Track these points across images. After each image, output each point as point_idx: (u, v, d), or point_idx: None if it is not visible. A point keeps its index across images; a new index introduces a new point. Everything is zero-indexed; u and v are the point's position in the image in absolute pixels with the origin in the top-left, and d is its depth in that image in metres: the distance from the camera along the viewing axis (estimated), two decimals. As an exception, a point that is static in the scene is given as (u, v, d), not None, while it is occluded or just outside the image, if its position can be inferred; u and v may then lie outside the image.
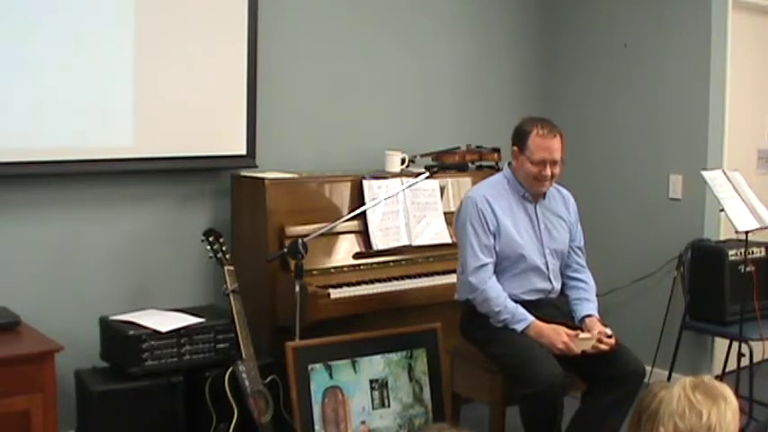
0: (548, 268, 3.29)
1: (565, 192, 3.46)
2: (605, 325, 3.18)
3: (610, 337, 3.11)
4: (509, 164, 3.36)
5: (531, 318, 3.15)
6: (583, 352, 3.08)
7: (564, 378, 3.03)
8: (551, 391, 2.96)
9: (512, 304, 3.18)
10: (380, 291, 3.66)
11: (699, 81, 4.48)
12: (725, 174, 4.07)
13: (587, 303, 3.28)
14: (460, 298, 3.30)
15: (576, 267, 3.42)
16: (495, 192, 3.30)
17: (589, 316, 3.24)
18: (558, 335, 3.08)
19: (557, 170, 3.23)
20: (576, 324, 3.23)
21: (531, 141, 3.19)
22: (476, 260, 3.21)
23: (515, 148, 3.27)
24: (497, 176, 3.41)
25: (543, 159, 3.18)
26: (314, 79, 4.19)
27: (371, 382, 3.50)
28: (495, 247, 3.23)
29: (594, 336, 3.10)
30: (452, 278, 3.52)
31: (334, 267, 3.73)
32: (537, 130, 3.19)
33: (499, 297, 3.18)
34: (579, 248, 3.44)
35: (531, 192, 3.29)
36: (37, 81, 3.33)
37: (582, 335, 3.12)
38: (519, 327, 3.14)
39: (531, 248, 3.26)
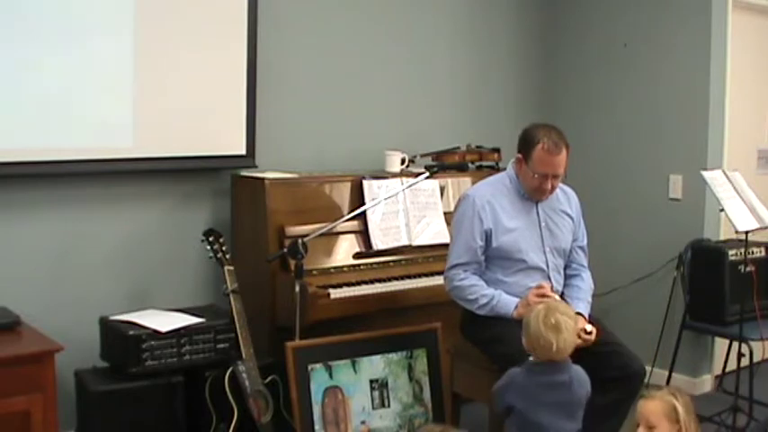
0: (548, 267, 3.29)
1: (568, 189, 3.46)
2: (592, 323, 3.18)
3: (589, 333, 3.11)
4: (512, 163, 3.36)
5: (514, 300, 3.17)
6: None
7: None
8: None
9: (490, 290, 3.19)
10: (380, 291, 3.66)
11: (699, 81, 4.48)
12: (725, 174, 4.07)
13: (578, 302, 3.28)
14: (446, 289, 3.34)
15: (576, 267, 3.42)
16: (495, 191, 3.30)
17: (577, 314, 3.22)
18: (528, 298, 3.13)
19: (557, 182, 3.24)
20: None
21: (535, 154, 3.17)
22: (456, 257, 3.26)
23: (520, 154, 3.25)
24: (500, 175, 3.41)
25: (545, 173, 3.18)
26: (314, 79, 4.19)
27: (371, 382, 3.50)
28: (483, 249, 3.24)
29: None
30: (452, 278, 3.52)
31: (334, 267, 3.73)
32: (543, 144, 3.15)
33: (474, 286, 3.21)
34: (581, 248, 3.44)
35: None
36: (37, 82, 3.33)
37: None
38: (508, 313, 3.15)
39: (530, 247, 3.26)
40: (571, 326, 2.62)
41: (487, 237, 3.24)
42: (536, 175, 3.19)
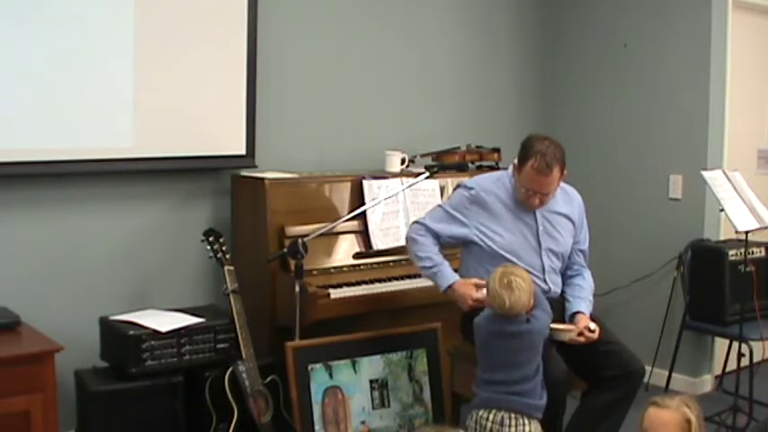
0: (543, 269, 3.28)
1: (571, 191, 3.43)
2: (594, 321, 3.18)
3: (593, 331, 3.12)
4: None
5: (453, 278, 3.22)
6: (563, 342, 3.10)
7: (567, 375, 3.04)
8: (554, 388, 2.97)
9: (440, 259, 3.26)
10: (380, 291, 3.66)
11: (699, 81, 4.48)
12: (725, 174, 4.07)
13: (580, 301, 3.28)
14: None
15: (577, 268, 3.41)
16: (495, 188, 3.30)
17: (579, 312, 3.23)
18: (466, 287, 3.18)
19: (546, 199, 3.23)
20: (566, 322, 3.23)
21: (525, 169, 3.15)
22: (430, 219, 3.34)
23: (516, 162, 3.25)
24: (502, 173, 3.40)
25: (532, 190, 3.18)
26: (314, 79, 4.19)
27: (371, 382, 3.50)
28: (447, 238, 3.31)
29: (576, 329, 3.11)
30: (452, 278, 3.52)
31: (334, 267, 3.73)
32: (533, 162, 3.12)
33: (427, 246, 3.28)
34: (582, 251, 3.43)
35: None
36: (37, 81, 3.33)
37: (560, 326, 3.14)
38: (442, 286, 3.23)
39: (525, 248, 3.25)
40: (523, 286, 2.90)
41: (462, 238, 3.29)
42: (523, 189, 3.20)
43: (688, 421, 2.43)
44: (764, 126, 5.09)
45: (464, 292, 3.18)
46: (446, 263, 3.27)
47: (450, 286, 3.22)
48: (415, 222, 3.37)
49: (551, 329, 3.09)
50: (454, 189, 3.44)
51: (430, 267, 3.26)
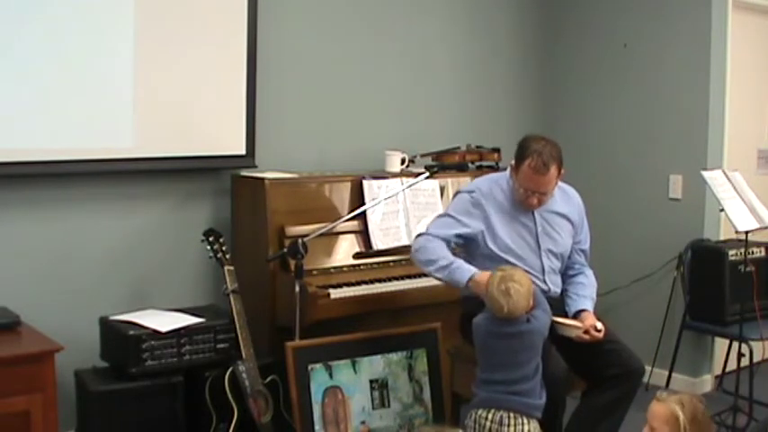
0: (543, 270, 3.28)
1: (570, 190, 3.43)
2: (599, 320, 3.18)
3: (599, 331, 3.11)
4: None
5: (473, 269, 3.15)
6: (569, 338, 3.10)
7: (567, 374, 3.04)
8: (554, 386, 2.97)
9: (452, 256, 3.20)
10: (380, 291, 3.66)
11: (699, 81, 4.48)
12: (725, 174, 4.07)
13: (583, 299, 3.28)
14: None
15: (578, 267, 3.41)
16: (493, 191, 3.30)
17: (584, 310, 3.23)
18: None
19: (545, 198, 3.22)
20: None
21: (522, 168, 3.16)
22: (435, 229, 3.28)
23: (513, 162, 3.25)
24: (499, 175, 3.40)
25: (530, 189, 3.18)
26: (314, 79, 4.19)
27: (371, 382, 3.50)
28: (455, 242, 3.27)
29: (582, 326, 3.11)
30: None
31: (334, 267, 3.73)
32: (530, 161, 3.12)
33: (438, 249, 3.21)
34: (582, 251, 3.43)
35: None
36: (37, 81, 3.33)
37: (567, 321, 3.14)
38: (463, 279, 3.14)
39: (524, 249, 3.25)
40: (521, 291, 2.93)
41: (468, 237, 3.26)
42: (521, 189, 3.20)
43: (676, 418, 2.47)
44: (764, 126, 5.09)
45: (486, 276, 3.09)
46: (461, 259, 3.23)
47: (471, 278, 3.13)
48: (419, 235, 3.32)
49: (557, 323, 3.09)
50: (454, 196, 3.44)
51: (447, 266, 3.17)
